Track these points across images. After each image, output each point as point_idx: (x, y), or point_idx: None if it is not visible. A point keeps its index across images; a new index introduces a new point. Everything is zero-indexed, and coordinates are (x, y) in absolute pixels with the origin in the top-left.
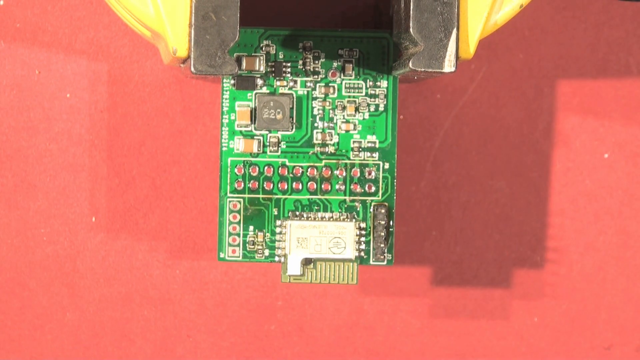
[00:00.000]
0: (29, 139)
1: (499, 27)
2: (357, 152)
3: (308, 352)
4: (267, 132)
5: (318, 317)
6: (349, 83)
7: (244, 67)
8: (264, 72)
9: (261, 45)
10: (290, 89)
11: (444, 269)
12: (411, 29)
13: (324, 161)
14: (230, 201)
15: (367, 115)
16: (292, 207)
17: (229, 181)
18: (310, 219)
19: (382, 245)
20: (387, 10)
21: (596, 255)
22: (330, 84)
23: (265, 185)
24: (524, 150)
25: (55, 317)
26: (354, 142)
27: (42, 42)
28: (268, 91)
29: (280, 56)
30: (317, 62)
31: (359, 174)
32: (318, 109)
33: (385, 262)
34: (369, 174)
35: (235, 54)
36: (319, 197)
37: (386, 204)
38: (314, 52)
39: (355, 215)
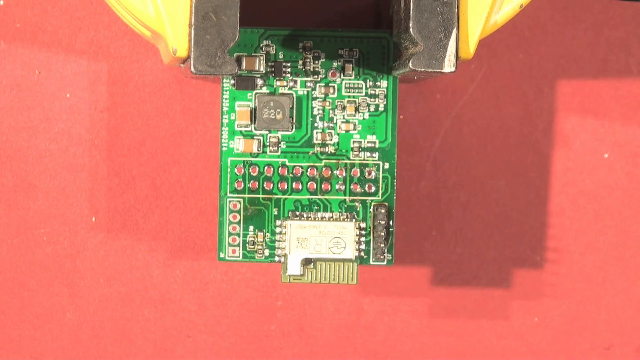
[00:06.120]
0: (29, 139)
1: (499, 27)
2: (357, 152)
3: (308, 352)
4: (267, 132)
5: (318, 317)
6: (349, 83)
7: (244, 67)
8: (264, 72)
9: (261, 45)
10: (290, 89)
11: (444, 269)
12: (411, 29)
13: (324, 161)
14: (230, 201)
15: (367, 115)
16: (292, 207)
17: (229, 181)
18: (310, 219)
19: (382, 245)
20: (387, 10)
21: (596, 255)
22: (330, 84)
23: (265, 185)
24: (524, 150)
25: (55, 317)
26: (354, 142)
27: (42, 42)
28: (268, 91)
29: (280, 56)
30: (317, 62)
31: (359, 174)
32: (318, 109)
33: (385, 262)
34: (369, 174)
35: (235, 54)
36: (319, 197)
37: (386, 204)
38: (314, 52)
39: (355, 215)
